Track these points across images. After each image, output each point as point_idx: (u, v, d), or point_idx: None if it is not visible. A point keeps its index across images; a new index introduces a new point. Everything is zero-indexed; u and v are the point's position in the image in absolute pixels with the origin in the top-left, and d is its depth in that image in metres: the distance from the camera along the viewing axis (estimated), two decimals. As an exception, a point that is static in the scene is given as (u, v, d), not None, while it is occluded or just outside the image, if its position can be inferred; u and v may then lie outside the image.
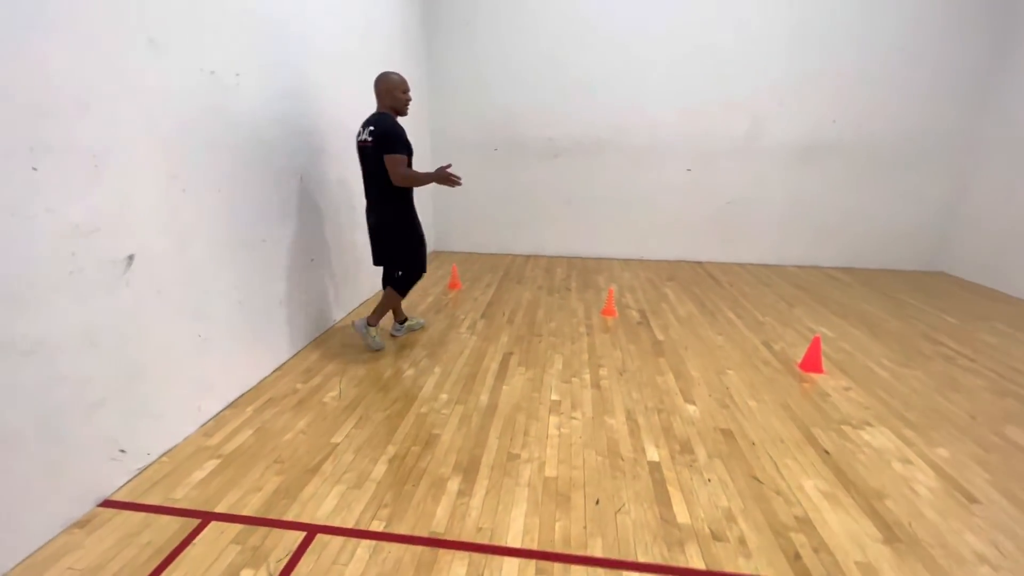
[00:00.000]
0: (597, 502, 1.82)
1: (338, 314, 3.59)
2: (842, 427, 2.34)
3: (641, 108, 5.10)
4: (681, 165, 5.26)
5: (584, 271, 5.10)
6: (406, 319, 3.41)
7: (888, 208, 5.09)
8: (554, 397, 2.58)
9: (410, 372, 2.85)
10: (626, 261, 5.51)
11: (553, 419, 2.38)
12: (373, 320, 3.09)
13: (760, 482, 1.95)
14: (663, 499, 1.84)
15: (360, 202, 3.84)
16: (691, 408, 2.49)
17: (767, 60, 4.84)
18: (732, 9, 4.77)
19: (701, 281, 4.75)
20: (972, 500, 1.87)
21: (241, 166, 2.45)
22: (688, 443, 2.20)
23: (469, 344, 3.25)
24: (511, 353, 3.12)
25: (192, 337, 2.20)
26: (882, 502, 1.85)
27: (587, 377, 2.80)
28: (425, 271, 3.10)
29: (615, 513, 1.77)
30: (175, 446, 2.12)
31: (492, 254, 5.82)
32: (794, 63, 4.82)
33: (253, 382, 2.66)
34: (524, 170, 5.54)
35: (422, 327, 3.48)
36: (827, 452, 2.14)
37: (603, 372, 2.88)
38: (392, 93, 2.76)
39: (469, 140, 5.55)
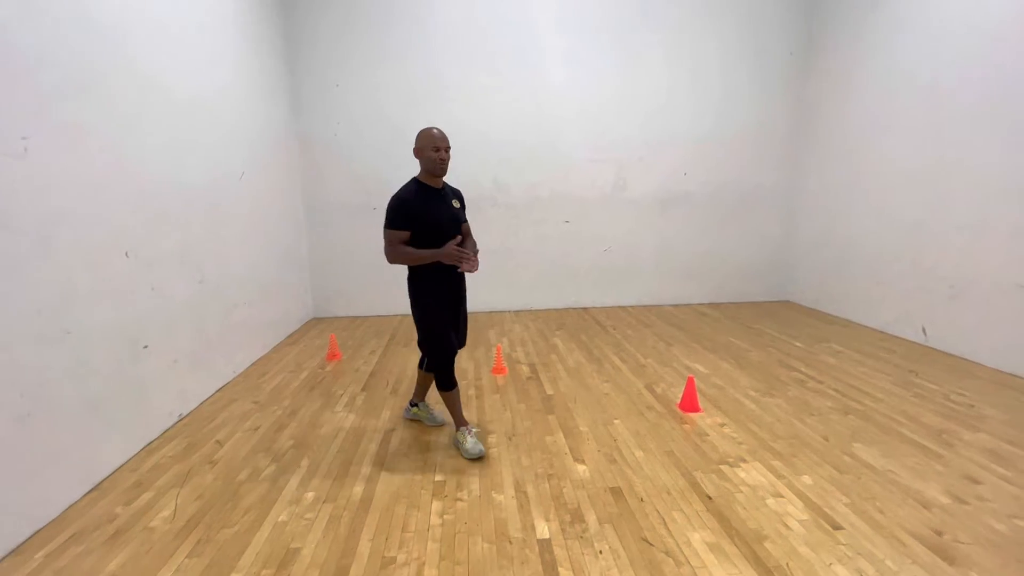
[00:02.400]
0: (482, 604, 1.61)
1: (184, 407, 3.07)
2: (720, 467, 2.40)
3: (519, 165, 5.29)
4: (560, 217, 5.49)
5: (475, 327, 5.00)
6: (418, 404, 2.92)
7: (739, 247, 5.71)
8: (438, 477, 2.36)
9: (270, 470, 2.45)
10: (517, 313, 5.52)
11: (436, 505, 2.15)
12: (459, 420, 2.60)
13: (650, 544, 1.89)
14: (553, 585, 1.69)
15: (217, 271, 3.41)
16: (581, 468, 2.41)
17: (628, 121, 5.32)
18: (594, 77, 5.21)
19: (588, 327, 4.88)
20: (836, 527, 1.97)
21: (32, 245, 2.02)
22: (578, 510, 2.09)
23: (346, 424, 2.92)
24: (393, 430, 2.85)
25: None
26: (762, 545, 1.87)
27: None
28: (449, 354, 2.49)
29: (502, 614, 1.57)
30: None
31: (379, 316, 5.51)
32: (649, 125, 5.35)
33: (53, 513, 2.10)
34: (407, 228, 5.41)
35: (436, 424, 2.86)
36: (710, 498, 2.16)
37: (492, 439, 2.72)
38: (423, 152, 2.36)
39: (346, 199, 5.33)
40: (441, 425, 2.86)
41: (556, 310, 5.60)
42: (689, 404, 3.01)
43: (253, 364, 3.97)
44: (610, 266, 5.65)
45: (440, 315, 2.47)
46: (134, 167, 2.67)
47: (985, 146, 3.56)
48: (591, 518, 2.04)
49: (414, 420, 2.94)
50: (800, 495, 2.17)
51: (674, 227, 5.62)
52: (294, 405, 3.20)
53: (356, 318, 5.47)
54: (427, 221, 2.33)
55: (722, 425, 2.82)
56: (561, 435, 2.75)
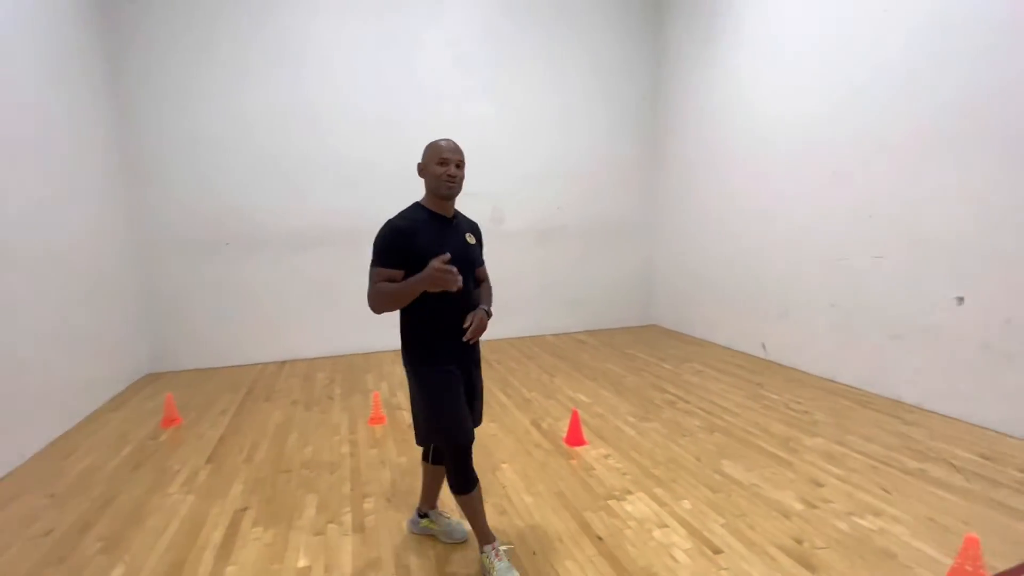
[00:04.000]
0: None
1: (-64, 515, 2.26)
2: (608, 502, 2.38)
3: (397, 196, 5.05)
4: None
5: (351, 372, 4.58)
6: (427, 514, 2.18)
7: (611, 276, 6.07)
8: (302, 563, 1.99)
9: (65, 590, 1.87)
10: (396, 352, 5.19)
11: (298, 601, 1.79)
12: (483, 535, 1.90)
13: (545, 605, 1.75)
14: None
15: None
16: (468, 527, 2.21)
17: (502, 157, 5.41)
18: (470, 114, 5.23)
19: (472, 363, 4.74)
20: (716, 551, 2.02)
21: None
22: (467, 578, 1.89)
23: (182, 509, 2.38)
24: (245, 509, 2.38)
25: None
26: (653, 584, 1.84)
27: (348, 518, 2.29)
28: (465, 445, 1.81)
29: None
30: None
31: (234, 367, 4.80)
32: (523, 160, 5.51)
33: None
34: (269, 264, 4.85)
35: (457, 539, 2.11)
36: (600, 539, 2.11)
37: (369, 504, 2.41)
38: (427, 168, 1.80)
39: (192, 234, 4.62)
40: (463, 541, 2.11)
41: (439, 346, 5.38)
42: (575, 438, 3.00)
43: (53, 442, 3.14)
44: (494, 297, 5.60)
45: (450, 391, 1.80)
46: None
47: (799, 185, 4.22)
48: (481, 585, 1.85)
49: (425, 535, 2.18)
50: (682, 522, 2.21)
51: (552, 258, 5.80)
52: (110, 492, 2.55)
53: (205, 371, 4.69)
54: (429, 259, 1.64)
55: (607, 456, 2.84)
56: (446, 488, 2.53)
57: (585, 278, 5.95)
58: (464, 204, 5.82)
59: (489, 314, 1.89)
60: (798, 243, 4.25)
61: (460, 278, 1.61)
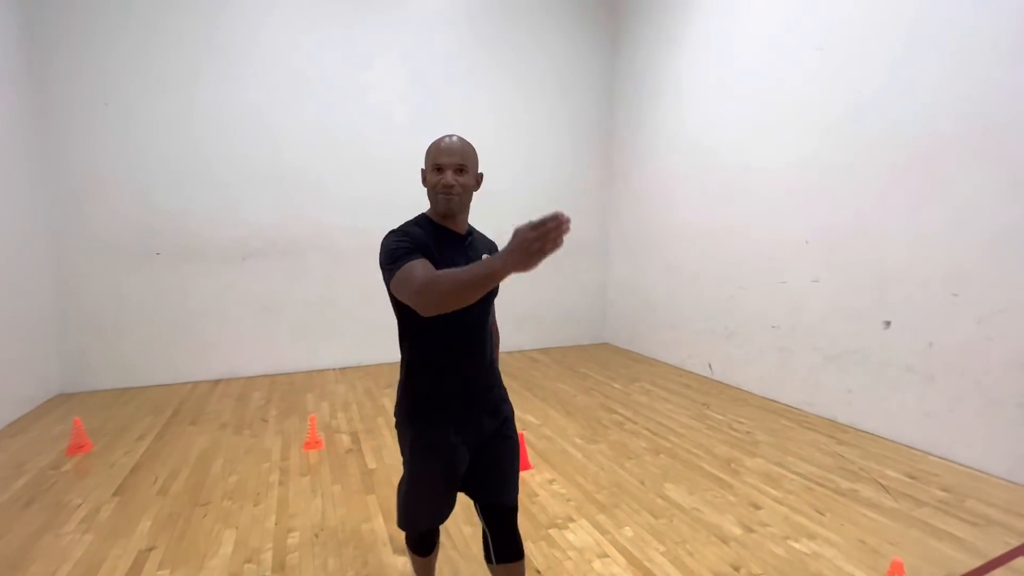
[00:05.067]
0: None
1: None
2: (550, 531, 2.30)
3: (342, 210, 4.89)
4: (390, 265, 5.19)
5: (289, 392, 4.33)
6: None
7: (565, 295, 6.06)
8: (209, 611, 1.80)
9: (-84, 655, 1.60)
10: (342, 371, 4.97)
11: (199, 656, 1.60)
12: None
13: (475, 649, 1.64)
14: None
15: None
16: (401, 562, 2.08)
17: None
18: (428, 129, 5.15)
19: (421, 382, 4.59)
20: (655, 581, 1.97)
21: None
22: (394, 621, 1.75)
23: (75, 552, 2.12)
24: (151, 549, 2.15)
25: None
26: (589, 620, 1.77)
27: (268, 556, 2.10)
28: (407, 529, 1.59)
29: None
30: None
31: (161, 386, 4.44)
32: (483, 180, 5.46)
33: None
34: (204, 275, 4.55)
35: None
36: (539, 572, 2.02)
37: (293, 539, 2.23)
38: (425, 175, 1.46)
39: (119, 242, 4.29)
40: None
41: (389, 364, 5.19)
42: (521, 462, 2.90)
43: (-68, 474, 2.77)
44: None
45: (427, 472, 1.45)
46: None
47: (744, 210, 4.36)
48: (408, 629, 1.72)
49: None
50: (623, 550, 2.16)
51: (509, 277, 5.73)
52: None
53: (126, 390, 4.32)
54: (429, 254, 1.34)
55: (551, 482, 2.76)
56: (380, 519, 2.38)
57: (540, 297, 5.92)
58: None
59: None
60: (742, 265, 4.38)
61: (563, 234, 1.04)
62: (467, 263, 1.27)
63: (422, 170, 1.48)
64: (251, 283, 4.71)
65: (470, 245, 1.49)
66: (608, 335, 6.30)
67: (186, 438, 3.32)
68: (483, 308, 1.46)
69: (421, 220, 1.47)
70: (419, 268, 1.25)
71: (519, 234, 1.05)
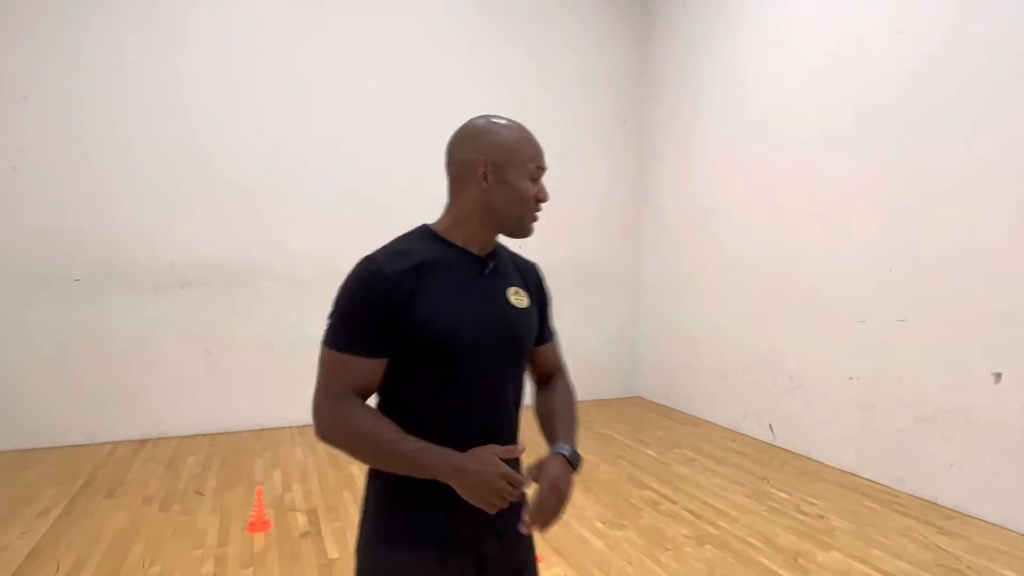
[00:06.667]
0: None
1: None
2: (561, 645, 2.25)
3: (306, 224, 4.98)
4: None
5: (234, 454, 4.33)
6: None
7: (583, 336, 6.02)
8: None
9: None
10: (300, 429, 4.96)
11: None
12: None
13: None
14: None
15: None
16: None
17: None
18: (422, 139, 5.30)
19: (400, 446, 4.57)
20: None
21: None
22: None
23: (-50, 664, 2.10)
24: (46, 661, 2.12)
25: None
26: None
27: (195, 673, 2.07)
28: None
29: None
30: None
31: (71, 447, 4.46)
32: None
33: None
34: (131, 306, 4.63)
35: None
36: None
37: (229, 651, 2.19)
38: (499, 172, 1.17)
39: (22, 266, 4.39)
40: None
41: (359, 422, 5.19)
42: (524, 552, 2.87)
43: None
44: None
45: None
46: None
47: (807, 229, 4.40)
48: None
49: None
50: (656, 673, 2.10)
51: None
52: None
53: (28, 452, 4.35)
54: (434, 333, 1.11)
55: (563, 578, 2.72)
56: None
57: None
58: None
59: (575, 465, 1.21)
60: (809, 299, 4.38)
61: (521, 491, 1.09)
62: (488, 301, 1.20)
63: (469, 159, 1.17)
64: (189, 317, 4.77)
65: (495, 273, 1.25)
66: (640, 387, 6.27)
67: (99, 515, 3.32)
68: (503, 376, 1.23)
69: (422, 237, 1.22)
70: (336, 374, 1.11)
71: (482, 469, 1.08)
